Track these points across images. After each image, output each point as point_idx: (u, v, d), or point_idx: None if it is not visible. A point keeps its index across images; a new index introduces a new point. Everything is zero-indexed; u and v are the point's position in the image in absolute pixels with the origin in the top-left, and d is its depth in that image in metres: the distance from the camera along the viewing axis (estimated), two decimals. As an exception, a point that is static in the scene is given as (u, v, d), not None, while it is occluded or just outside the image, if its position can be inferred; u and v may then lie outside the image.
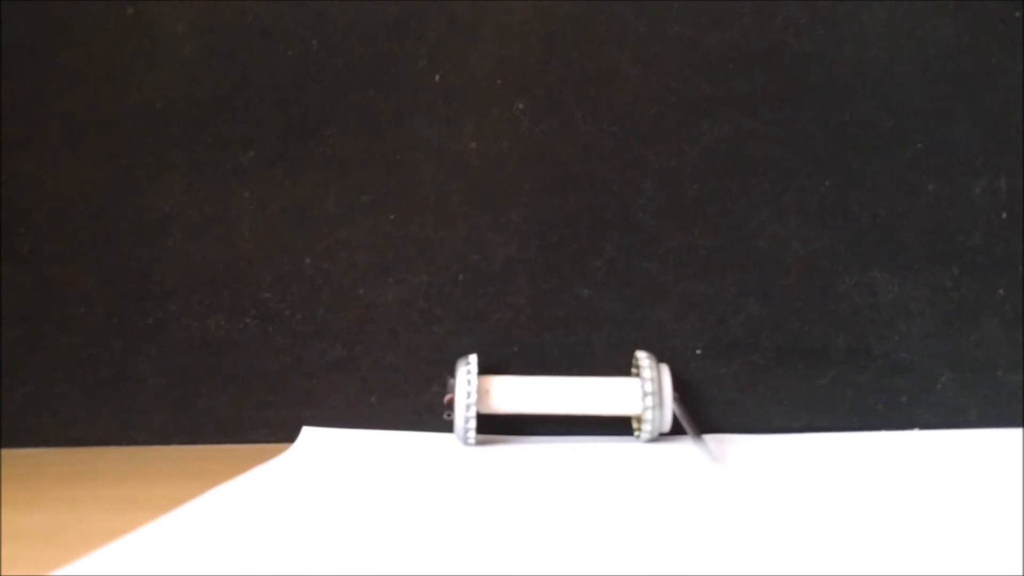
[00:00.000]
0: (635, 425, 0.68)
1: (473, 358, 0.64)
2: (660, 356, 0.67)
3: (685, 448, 0.63)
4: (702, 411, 0.70)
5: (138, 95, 0.72)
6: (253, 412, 0.71)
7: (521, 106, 0.71)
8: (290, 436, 0.69)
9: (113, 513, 0.50)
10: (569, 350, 0.71)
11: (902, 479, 0.53)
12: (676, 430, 0.65)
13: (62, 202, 0.72)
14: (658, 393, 0.63)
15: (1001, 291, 0.70)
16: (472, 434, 0.63)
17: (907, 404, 0.70)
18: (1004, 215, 0.70)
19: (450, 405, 0.64)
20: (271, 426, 0.71)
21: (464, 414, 0.62)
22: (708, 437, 0.63)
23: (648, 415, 0.63)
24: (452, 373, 0.65)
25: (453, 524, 0.44)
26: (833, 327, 0.70)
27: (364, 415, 0.71)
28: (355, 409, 0.71)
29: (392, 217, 0.72)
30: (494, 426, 0.68)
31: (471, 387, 0.62)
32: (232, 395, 0.71)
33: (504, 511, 0.47)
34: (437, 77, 0.71)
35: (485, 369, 0.67)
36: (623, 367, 0.69)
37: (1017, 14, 0.70)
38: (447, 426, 0.66)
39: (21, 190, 0.72)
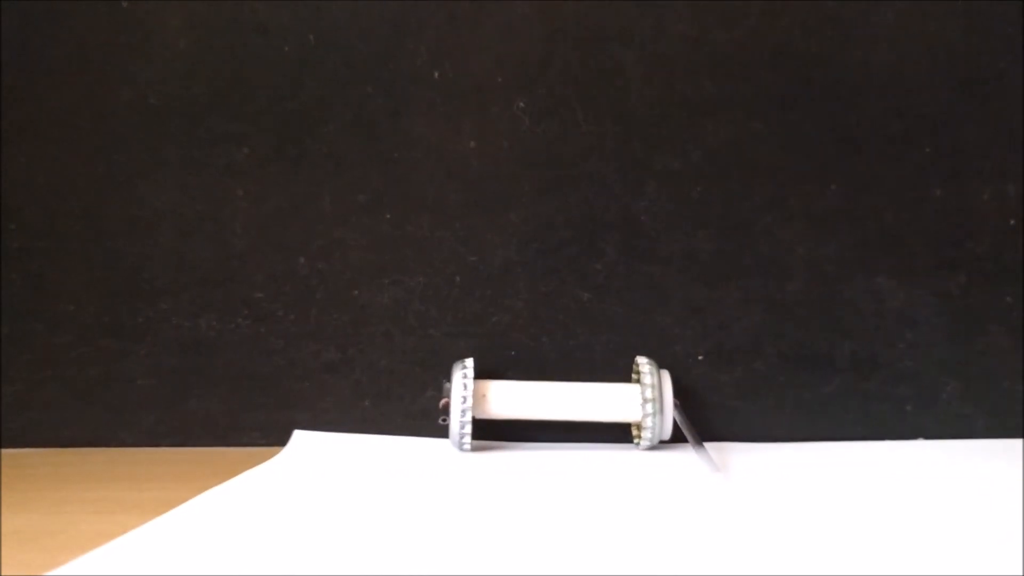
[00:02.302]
0: (635, 432, 0.67)
1: (469, 362, 0.63)
2: (661, 362, 0.66)
3: (686, 456, 0.62)
4: (703, 419, 0.69)
5: (132, 90, 0.71)
6: (244, 414, 0.70)
7: (522, 105, 0.70)
8: (282, 439, 0.68)
9: (101, 515, 0.49)
10: (568, 355, 0.70)
11: (907, 489, 0.52)
12: (677, 438, 0.64)
13: (53, 198, 0.71)
14: (658, 400, 0.62)
15: (1008, 299, 0.70)
16: (467, 440, 0.62)
17: (912, 413, 0.70)
18: (1012, 222, 0.69)
19: (445, 409, 0.63)
20: (262, 429, 0.70)
21: (459, 419, 0.61)
22: (709, 445, 0.62)
23: (648, 422, 0.62)
24: (448, 377, 0.64)
25: (446, 532, 0.43)
26: (838, 334, 0.69)
27: (357, 419, 0.70)
28: (348, 413, 0.70)
29: (388, 217, 0.71)
30: (490, 432, 0.67)
31: (467, 391, 0.61)
32: (223, 397, 0.70)
33: (499, 519, 0.46)
34: (436, 74, 0.70)
35: (482, 373, 0.66)
36: (623, 373, 0.68)
37: (1027, 18, 0.69)
38: (442, 431, 0.64)
39: (12, 186, 0.71)
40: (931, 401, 0.70)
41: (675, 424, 0.63)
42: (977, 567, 0.37)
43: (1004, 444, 0.66)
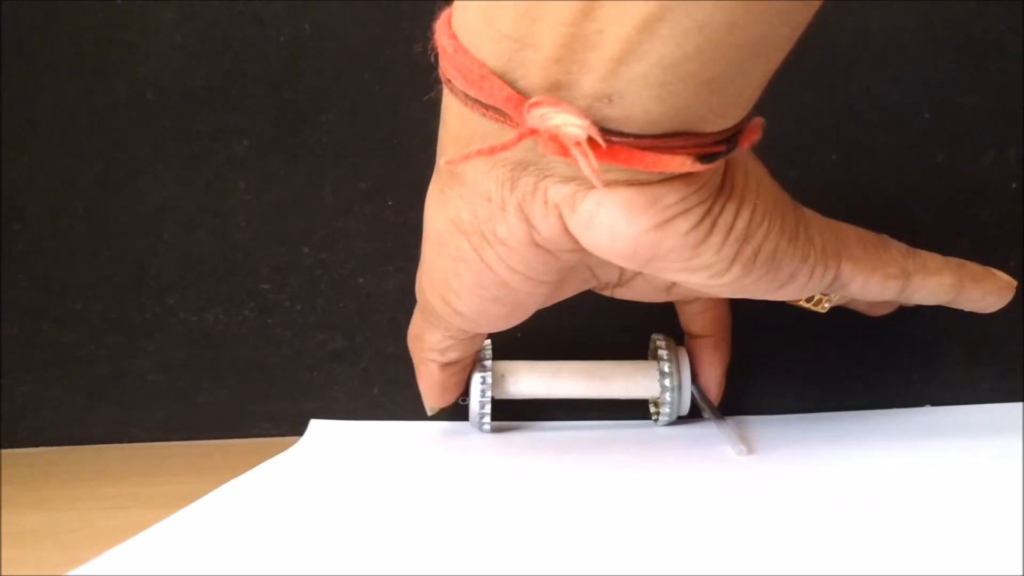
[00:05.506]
0: (653, 409, 0.66)
1: (487, 343, 0.62)
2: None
3: (705, 431, 0.62)
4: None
5: (129, 86, 0.70)
6: (254, 406, 0.70)
7: (521, 86, 0.70)
8: (292, 429, 0.68)
9: (116, 511, 0.49)
10: (578, 335, 0.69)
11: (912, 457, 0.52)
12: (692, 413, 0.64)
13: (56, 198, 0.70)
14: (676, 375, 0.62)
15: (1011, 263, 0.70)
16: (487, 420, 0.61)
17: (918, 381, 0.70)
18: (1014, 185, 0.70)
19: (465, 391, 0.62)
20: (273, 419, 0.70)
21: (479, 399, 0.61)
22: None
23: (667, 397, 0.62)
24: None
25: (471, 511, 0.43)
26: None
27: (367, 406, 0.70)
28: (358, 400, 0.70)
29: (391, 203, 0.70)
30: (506, 412, 0.67)
31: (487, 372, 0.61)
32: (232, 389, 0.70)
33: (521, 497, 0.46)
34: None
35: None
36: (634, 352, 0.68)
37: (1022, -18, 0.69)
38: (455, 414, 0.64)
39: (15, 187, 0.70)
40: (937, 369, 0.70)
41: (693, 400, 0.63)
42: (982, 551, 0.36)
43: (1010, 408, 0.66)
